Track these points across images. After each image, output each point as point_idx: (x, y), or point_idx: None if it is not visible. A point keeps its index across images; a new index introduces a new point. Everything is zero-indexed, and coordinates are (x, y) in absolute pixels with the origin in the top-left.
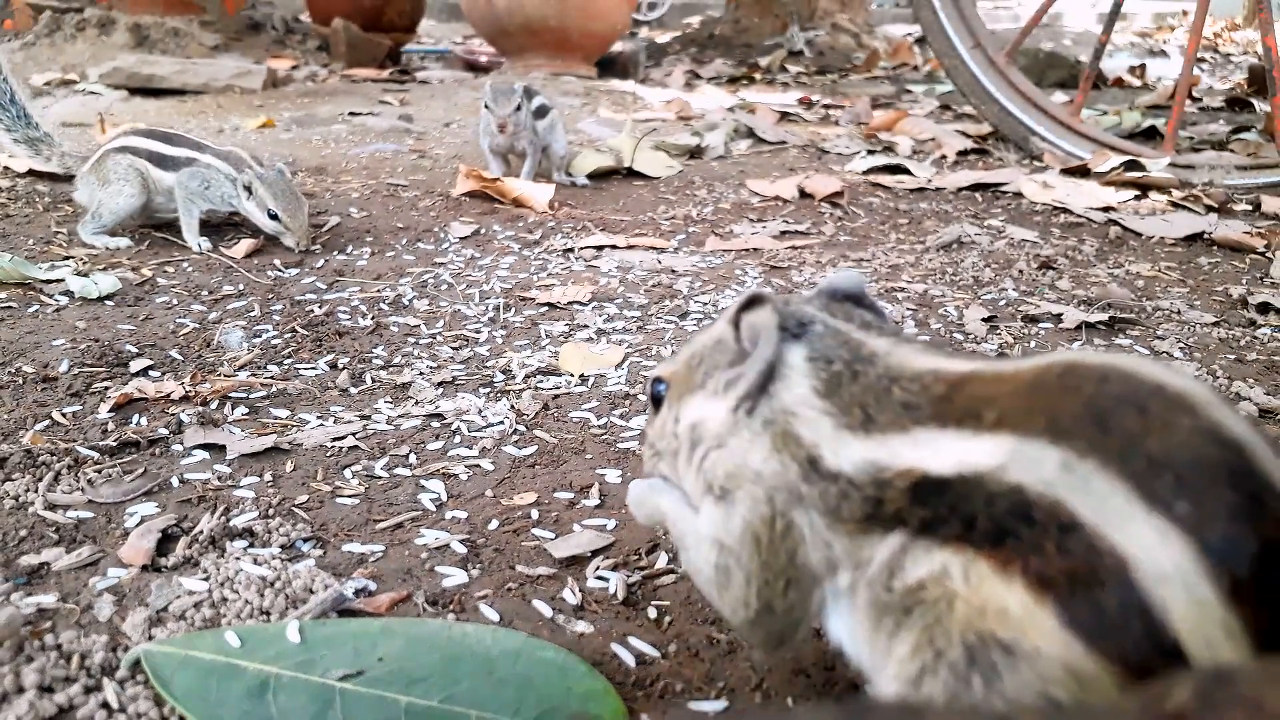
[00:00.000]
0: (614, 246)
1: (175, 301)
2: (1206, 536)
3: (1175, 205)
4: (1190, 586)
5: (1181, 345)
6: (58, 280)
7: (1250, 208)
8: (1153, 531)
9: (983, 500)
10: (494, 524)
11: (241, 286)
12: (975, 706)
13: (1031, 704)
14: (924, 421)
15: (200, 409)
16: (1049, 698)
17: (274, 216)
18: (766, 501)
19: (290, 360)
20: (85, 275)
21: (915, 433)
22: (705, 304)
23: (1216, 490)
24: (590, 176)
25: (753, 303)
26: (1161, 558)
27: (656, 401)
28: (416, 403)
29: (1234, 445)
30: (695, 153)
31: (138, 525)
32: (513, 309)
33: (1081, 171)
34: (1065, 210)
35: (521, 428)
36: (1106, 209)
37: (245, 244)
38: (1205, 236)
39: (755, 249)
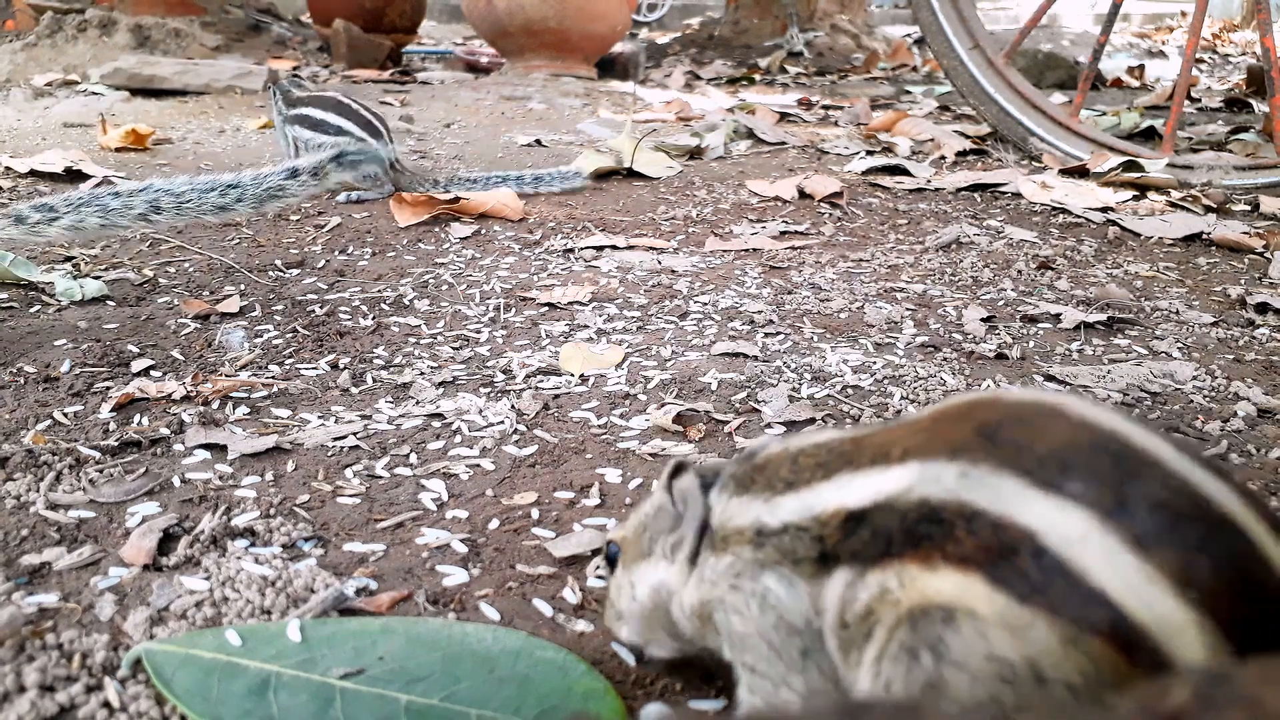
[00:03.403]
0: (614, 247)
1: (176, 301)
2: (1102, 504)
3: (1174, 206)
4: (1098, 544)
5: (1180, 345)
6: (57, 280)
7: (1249, 208)
8: (1051, 508)
9: (897, 519)
10: (494, 523)
11: (243, 286)
12: (975, 706)
13: (1031, 702)
14: (840, 469)
15: (201, 409)
16: (997, 659)
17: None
18: (733, 590)
19: (291, 360)
20: (86, 276)
21: (835, 479)
22: (705, 304)
23: (1101, 468)
24: (590, 177)
25: (677, 471)
26: (1064, 525)
27: (611, 561)
28: (417, 403)
29: (1109, 432)
30: (695, 153)
31: (139, 525)
32: (513, 309)
33: (1080, 172)
34: (1064, 210)
35: (522, 427)
36: (1105, 209)
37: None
38: (1204, 237)
39: (755, 249)
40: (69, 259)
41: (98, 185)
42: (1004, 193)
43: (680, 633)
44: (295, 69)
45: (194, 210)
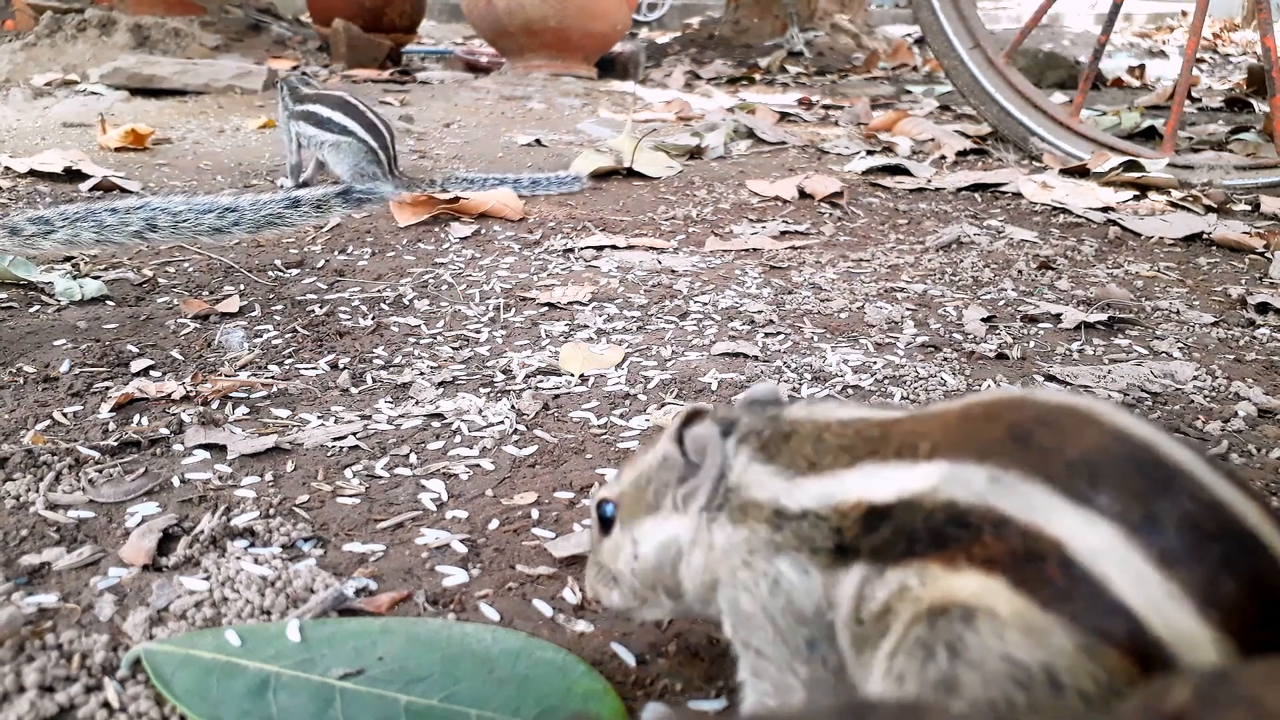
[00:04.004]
0: (614, 247)
1: (176, 301)
2: (1129, 518)
3: (1174, 205)
4: (1124, 560)
5: (1180, 345)
6: (56, 280)
7: (1249, 208)
8: (1079, 520)
9: (922, 518)
10: (494, 524)
11: (243, 286)
12: (981, 707)
13: (1035, 703)
14: (865, 457)
15: (201, 409)
16: (1013, 661)
17: None
18: (745, 567)
19: (291, 360)
20: (85, 275)
21: (860, 467)
22: (705, 304)
23: (1130, 479)
24: (590, 176)
25: (693, 417)
26: (1091, 538)
27: (605, 523)
28: (417, 403)
29: (1140, 443)
30: (695, 153)
31: (139, 525)
32: (513, 309)
33: (1081, 172)
34: (1064, 210)
35: (522, 428)
36: (1106, 209)
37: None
38: (1204, 237)
39: (755, 249)
40: (68, 259)
41: (96, 186)
42: (1004, 193)
43: (683, 593)
44: (294, 68)
45: (190, 230)
